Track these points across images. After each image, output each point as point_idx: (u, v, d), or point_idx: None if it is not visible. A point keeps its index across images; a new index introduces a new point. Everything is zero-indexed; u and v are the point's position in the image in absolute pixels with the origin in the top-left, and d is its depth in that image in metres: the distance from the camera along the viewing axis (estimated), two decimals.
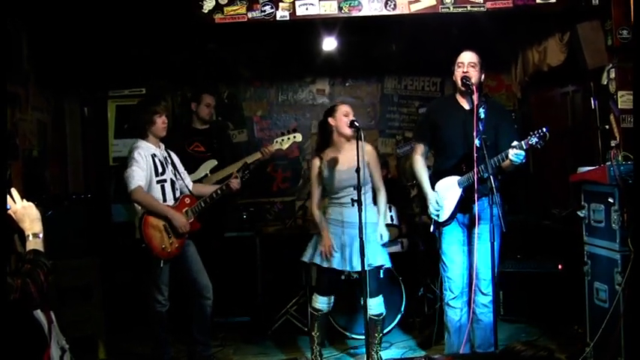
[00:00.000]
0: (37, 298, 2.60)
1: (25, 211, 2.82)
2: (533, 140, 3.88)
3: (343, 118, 4.57)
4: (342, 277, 4.96)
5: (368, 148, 4.63)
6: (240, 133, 7.21)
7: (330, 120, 4.65)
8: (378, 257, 4.58)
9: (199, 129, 5.80)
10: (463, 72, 4.26)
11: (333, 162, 4.61)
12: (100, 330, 5.22)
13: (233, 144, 6.74)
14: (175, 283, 4.72)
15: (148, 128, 4.62)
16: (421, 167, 4.56)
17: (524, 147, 3.92)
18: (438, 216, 4.40)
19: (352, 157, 4.34)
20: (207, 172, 5.59)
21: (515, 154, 3.94)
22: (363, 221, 4.33)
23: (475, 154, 4.08)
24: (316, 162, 4.70)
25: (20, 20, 5.15)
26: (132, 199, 4.48)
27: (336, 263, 4.57)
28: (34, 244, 2.80)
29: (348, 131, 4.53)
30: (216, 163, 5.65)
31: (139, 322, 5.28)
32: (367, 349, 4.41)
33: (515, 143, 3.96)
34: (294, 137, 5.51)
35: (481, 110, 4.15)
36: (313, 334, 4.76)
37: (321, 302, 4.70)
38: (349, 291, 5.29)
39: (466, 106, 4.36)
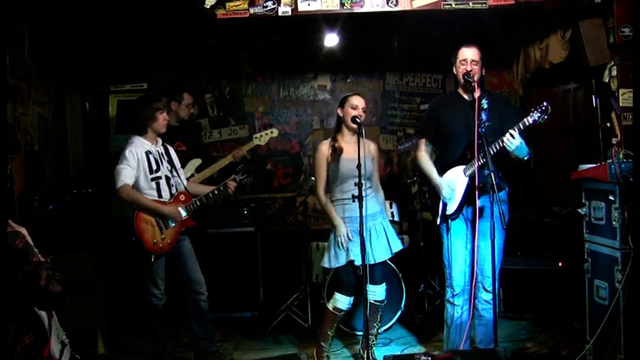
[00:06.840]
0: (64, 297, 2.74)
1: None
2: (536, 115, 3.90)
3: (349, 110, 4.57)
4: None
5: (373, 147, 4.72)
6: (241, 128, 7.21)
7: (339, 110, 4.67)
8: (397, 243, 4.70)
9: (175, 126, 5.55)
10: (466, 69, 4.26)
11: (340, 151, 4.60)
12: (100, 324, 5.24)
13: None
14: (174, 277, 4.72)
15: (148, 124, 4.59)
16: (427, 160, 4.54)
17: (527, 124, 3.95)
18: (451, 199, 4.32)
19: (356, 149, 4.33)
20: (194, 171, 5.50)
21: (509, 139, 3.97)
22: (374, 212, 4.59)
23: (477, 141, 4.07)
24: (323, 147, 4.66)
25: (22, 13, 5.14)
26: (118, 197, 4.45)
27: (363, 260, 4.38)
28: None
29: (351, 124, 4.56)
30: (201, 161, 5.58)
31: (139, 316, 5.29)
32: (366, 332, 4.35)
33: (510, 131, 3.99)
34: (271, 132, 5.65)
35: (484, 101, 4.13)
36: (330, 333, 4.65)
37: (346, 302, 4.58)
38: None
39: (468, 98, 4.35)
